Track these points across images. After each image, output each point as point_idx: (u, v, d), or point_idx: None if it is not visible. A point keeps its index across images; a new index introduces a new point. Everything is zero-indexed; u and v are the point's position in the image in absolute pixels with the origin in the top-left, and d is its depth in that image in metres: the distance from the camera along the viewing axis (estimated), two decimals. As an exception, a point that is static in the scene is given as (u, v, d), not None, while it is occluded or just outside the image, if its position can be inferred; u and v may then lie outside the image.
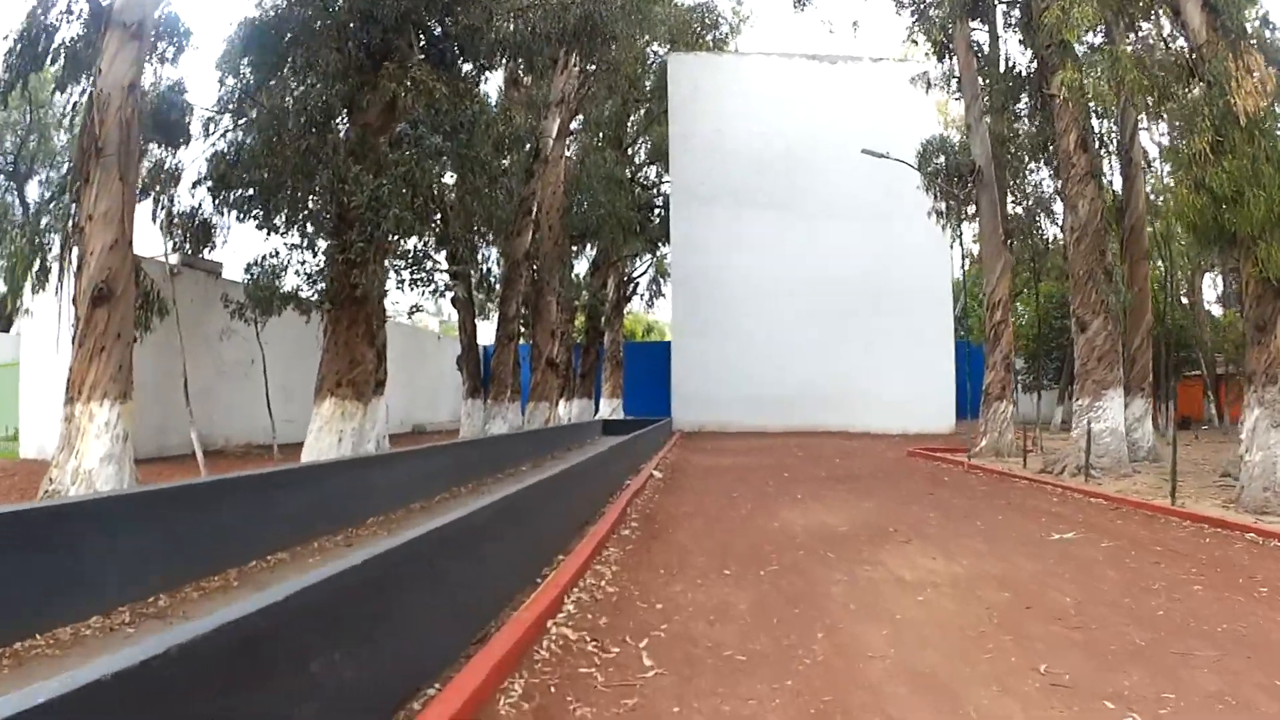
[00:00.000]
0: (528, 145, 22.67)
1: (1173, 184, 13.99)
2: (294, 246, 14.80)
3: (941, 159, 20.36)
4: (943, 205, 20.67)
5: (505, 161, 15.97)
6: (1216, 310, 33.80)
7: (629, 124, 35.19)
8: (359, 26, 13.86)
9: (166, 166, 15.60)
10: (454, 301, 25.45)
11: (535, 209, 23.38)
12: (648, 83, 34.03)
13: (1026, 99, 18.00)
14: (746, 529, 8.18)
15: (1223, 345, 27.98)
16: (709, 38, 34.16)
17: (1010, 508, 10.04)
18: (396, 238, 13.58)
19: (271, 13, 14.50)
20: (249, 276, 15.04)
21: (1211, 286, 34.37)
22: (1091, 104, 15.28)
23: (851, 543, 7.47)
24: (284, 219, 14.60)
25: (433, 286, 17.44)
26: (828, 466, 15.22)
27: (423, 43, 14.50)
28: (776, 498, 10.55)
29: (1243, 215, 9.34)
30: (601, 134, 33.04)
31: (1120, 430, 14.21)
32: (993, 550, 7.19)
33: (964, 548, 7.27)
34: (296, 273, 14.94)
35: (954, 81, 20.76)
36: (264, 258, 14.98)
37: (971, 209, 21.13)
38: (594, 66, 27.90)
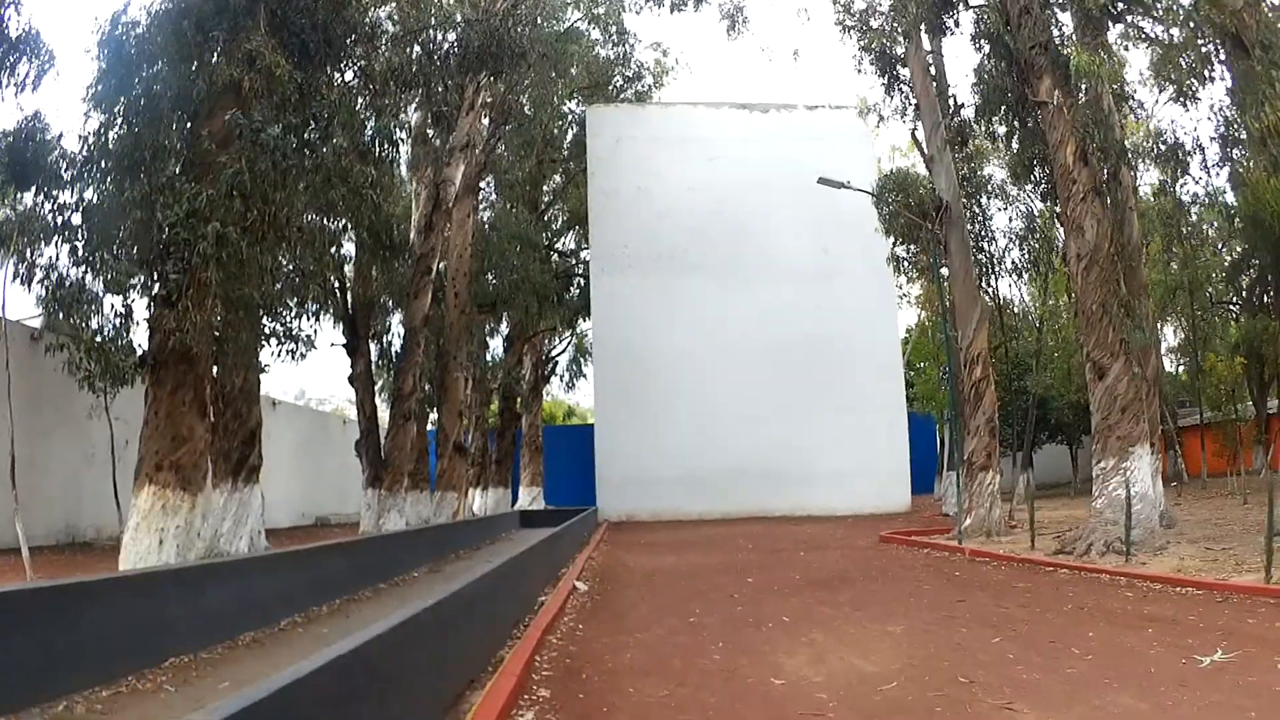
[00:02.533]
0: (422, 193, 19.85)
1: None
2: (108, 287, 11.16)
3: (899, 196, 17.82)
4: (903, 250, 18.11)
5: (373, 171, 12.56)
6: (1167, 362, 32.45)
7: (545, 187, 32.53)
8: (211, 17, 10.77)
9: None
10: (351, 379, 22.40)
11: (435, 269, 20.28)
12: (566, 142, 31.61)
13: (1004, 117, 15.52)
14: (736, 699, 4.88)
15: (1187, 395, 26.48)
16: (630, 92, 31.89)
17: (1089, 616, 6.99)
18: (227, 274, 10.04)
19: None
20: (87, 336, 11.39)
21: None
22: (1088, 111, 12.96)
23: None
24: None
25: (290, 345, 13.68)
26: (797, 564, 11.97)
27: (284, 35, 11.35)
28: (757, 623, 7.22)
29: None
30: (515, 196, 30.22)
31: (1151, 495, 11.83)
32: (1157, 708, 4.16)
33: (1110, 711, 4.19)
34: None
35: (911, 109, 18.38)
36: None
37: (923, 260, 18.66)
38: (506, 105, 25.48)
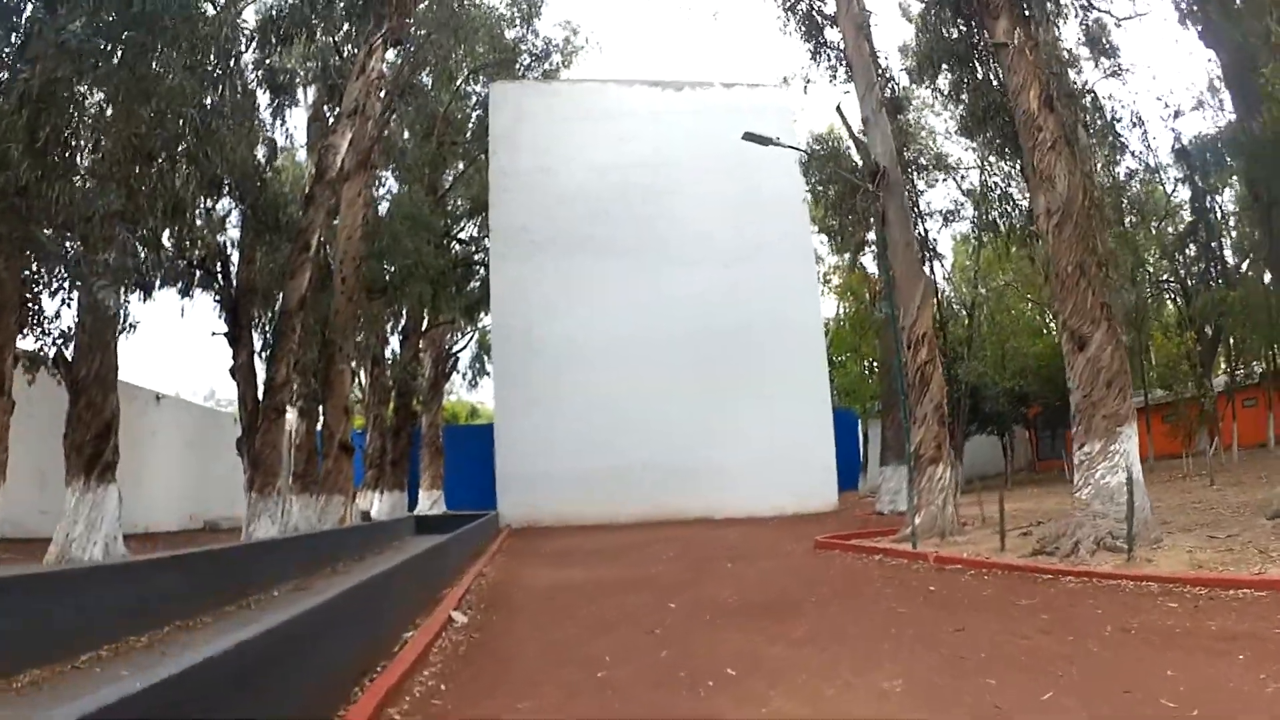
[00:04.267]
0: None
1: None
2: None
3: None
4: (835, 223, 16.39)
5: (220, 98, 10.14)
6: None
7: (447, 173, 30.12)
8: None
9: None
10: (232, 371, 20.00)
11: (315, 245, 17.80)
12: (470, 125, 29.40)
13: (953, 66, 13.84)
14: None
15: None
16: (539, 71, 29.80)
17: (1143, 641, 5.23)
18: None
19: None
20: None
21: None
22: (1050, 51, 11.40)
23: None
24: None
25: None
26: (727, 580, 9.86)
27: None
28: (691, 680, 5.01)
29: None
30: (413, 178, 27.71)
31: (1142, 481, 10.15)
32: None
33: None
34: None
35: (842, 71, 16.64)
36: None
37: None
38: (402, 77, 23.27)
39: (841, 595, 8.32)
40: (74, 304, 12.83)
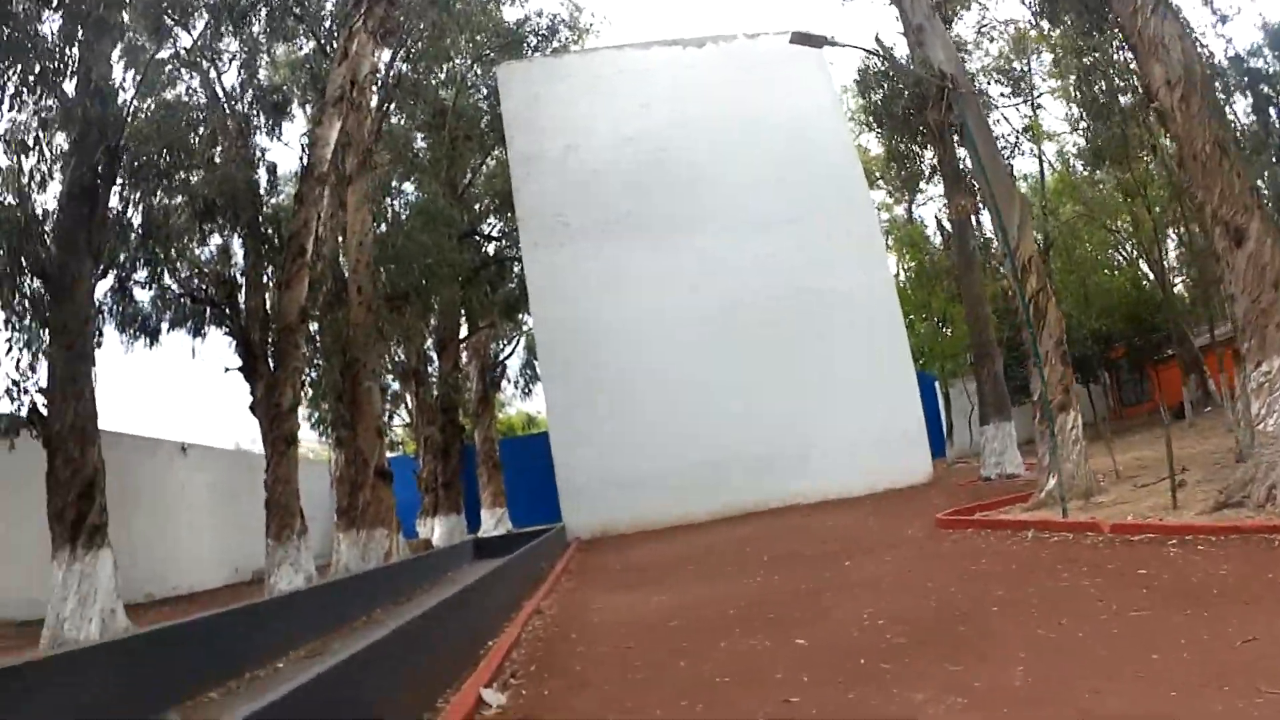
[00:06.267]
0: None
1: None
2: None
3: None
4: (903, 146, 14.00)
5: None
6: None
7: (467, 169, 28.21)
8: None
9: None
10: (252, 408, 18.75)
11: (311, 250, 15.90)
12: (484, 120, 27.43)
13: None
14: None
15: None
16: (548, 50, 27.80)
17: None
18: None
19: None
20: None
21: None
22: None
23: None
24: None
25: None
26: (857, 591, 7.44)
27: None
28: None
29: None
30: (428, 175, 25.87)
31: None
32: None
33: None
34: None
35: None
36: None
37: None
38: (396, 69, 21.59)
39: (1025, 598, 5.96)
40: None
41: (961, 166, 19.38)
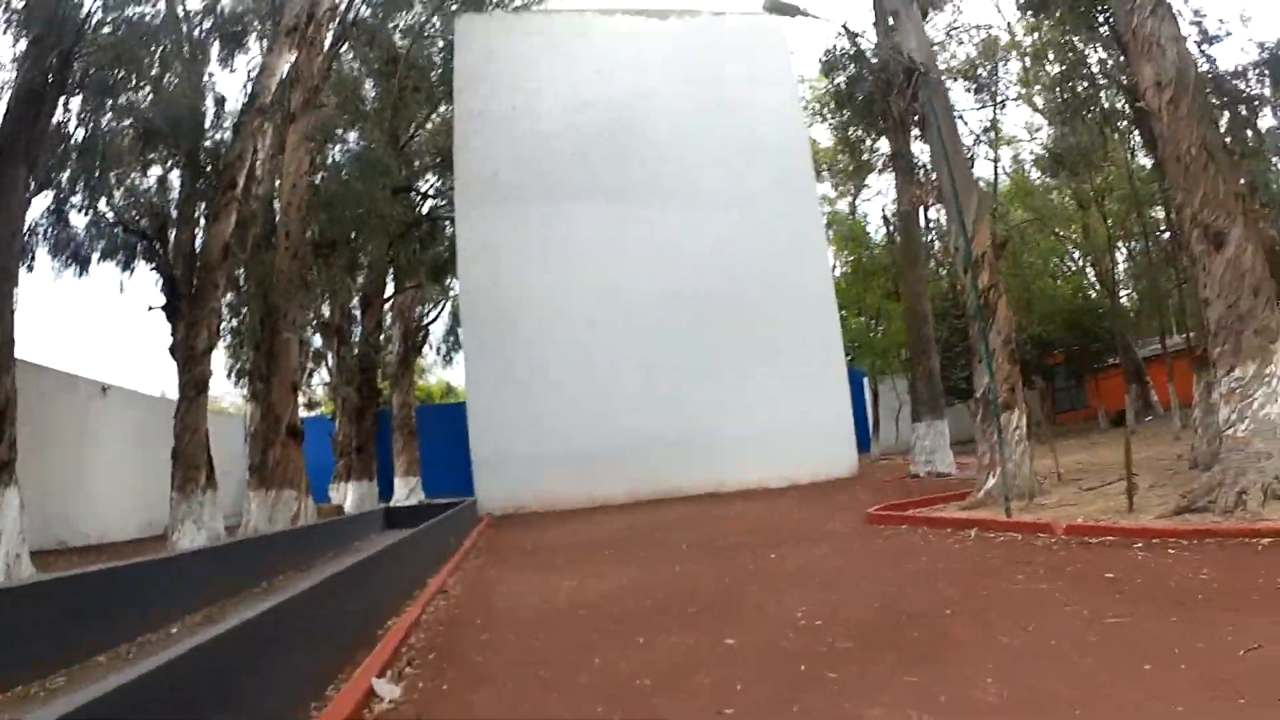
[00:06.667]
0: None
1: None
2: None
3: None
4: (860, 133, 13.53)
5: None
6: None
7: (412, 122, 27.03)
8: None
9: None
10: (172, 350, 17.16)
11: (243, 185, 14.87)
12: (434, 72, 26.32)
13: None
14: None
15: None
16: (511, 7, 26.83)
17: None
18: None
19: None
20: None
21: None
22: None
23: None
24: None
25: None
26: (787, 585, 6.89)
27: None
28: None
29: None
30: (370, 123, 24.70)
31: None
32: None
33: None
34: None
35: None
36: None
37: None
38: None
39: (980, 600, 5.43)
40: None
41: (917, 160, 19.15)
